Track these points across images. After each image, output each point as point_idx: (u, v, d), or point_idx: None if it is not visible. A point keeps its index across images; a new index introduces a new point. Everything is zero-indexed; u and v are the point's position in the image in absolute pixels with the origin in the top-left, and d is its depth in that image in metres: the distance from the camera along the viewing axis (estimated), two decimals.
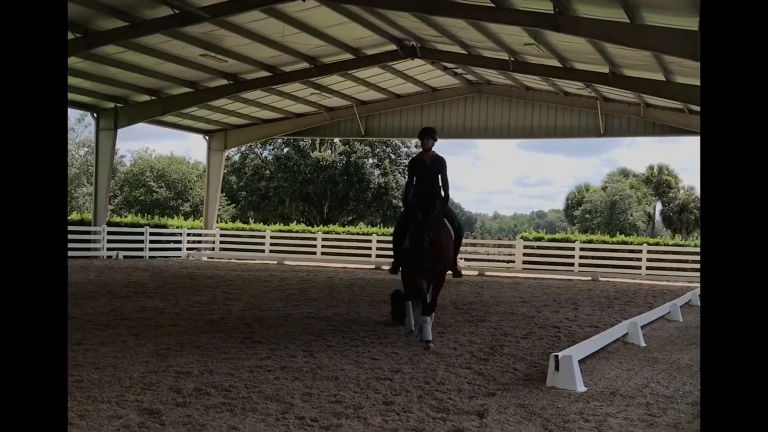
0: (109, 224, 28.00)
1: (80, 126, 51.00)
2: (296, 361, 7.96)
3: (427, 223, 9.49)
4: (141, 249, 28.09)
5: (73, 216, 30.71)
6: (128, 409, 5.68)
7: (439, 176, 10.15)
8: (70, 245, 25.11)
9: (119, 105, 26.57)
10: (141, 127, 28.17)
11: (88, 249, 26.10)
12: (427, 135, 10.23)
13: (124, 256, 26.88)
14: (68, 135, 50.51)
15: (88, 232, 26.52)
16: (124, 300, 13.19)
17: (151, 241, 28.52)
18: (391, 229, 33.19)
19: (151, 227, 29.35)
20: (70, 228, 25.57)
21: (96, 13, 18.26)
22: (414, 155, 11.98)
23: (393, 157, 49.02)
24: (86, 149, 48.95)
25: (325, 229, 33.99)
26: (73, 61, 20.97)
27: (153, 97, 26.18)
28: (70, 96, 25.39)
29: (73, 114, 49.29)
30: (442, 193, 10.10)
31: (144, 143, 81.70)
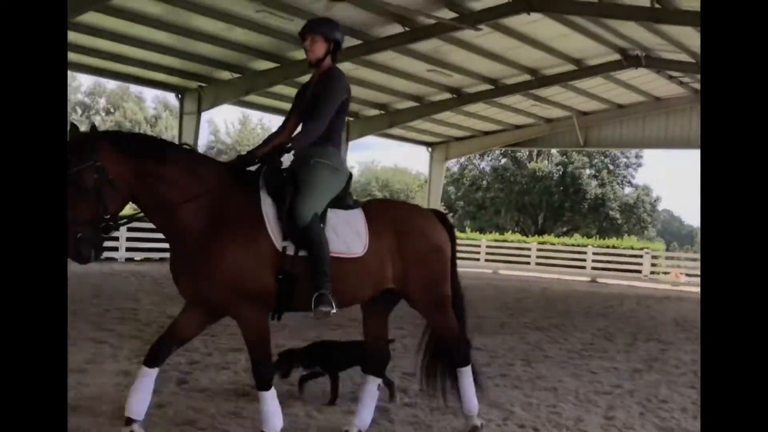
0: None
1: None
2: (515, 370, 7.91)
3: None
4: None
5: None
6: None
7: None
8: None
9: (351, 119, 27.81)
10: (370, 139, 29.29)
11: None
12: (311, 30, 5.29)
13: None
14: None
15: None
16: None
17: None
18: (608, 241, 32.13)
19: None
20: None
21: None
22: None
23: (611, 167, 47.33)
24: None
25: (540, 239, 33.44)
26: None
27: (381, 112, 27.14)
28: None
29: None
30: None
31: (371, 154, 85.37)
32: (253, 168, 4.90)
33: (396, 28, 19.10)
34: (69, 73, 48.77)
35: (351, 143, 28.29)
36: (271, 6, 16.72)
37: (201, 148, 31.58)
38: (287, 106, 21.92)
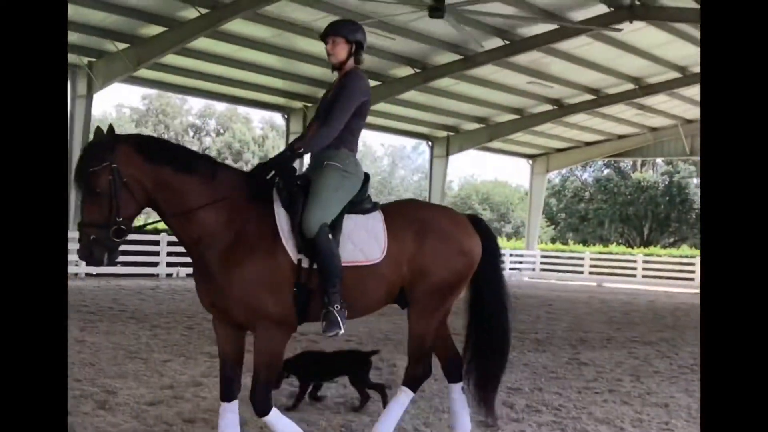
0: None
1: (415, 153, 54.20)
2: (623, 385, 7.69)
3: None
4: None
5: None
6: None
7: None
8: None
9: (451, 134, 27.83)
10: (469, 153, 29.22)
11: None
12: (332, 32, 5.11)
13: None
14: (404, 162, 53.93)
15: None
16: (455, 315, 13.69)
17: None
18: None
19: None
20: None
21: (433, 49, 19.40)
22: None
23: None
24: (420, 175, 51.85)
25: (646, 251, 32.47)
26: (411, 95, 22.43)
27: (481, 125, 27.04)
28: (407, 127, 27.11)
29: (409, 143, 52.55)
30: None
31: (470, 168, 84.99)
32: (268, 177, 4.70)
33: (496, 42, 19.05)
34: (181, 96, 50.75)
35: (451, 157, 28.30)
36: (373, 26, 16.95)
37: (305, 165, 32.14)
38: (389, 123, 22.12)
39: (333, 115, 4.84)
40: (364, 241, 4.69)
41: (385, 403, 5.97)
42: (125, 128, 47.50)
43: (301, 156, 4.80)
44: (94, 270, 18.25)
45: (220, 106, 54.13)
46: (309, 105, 23.20)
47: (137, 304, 13.13)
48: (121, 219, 4.30)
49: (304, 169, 5.15)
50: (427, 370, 5.12)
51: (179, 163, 4.47)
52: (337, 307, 4.50)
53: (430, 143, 28.72)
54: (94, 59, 18.61)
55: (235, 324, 4.64)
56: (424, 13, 15.10)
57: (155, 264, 20.33)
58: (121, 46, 17.80)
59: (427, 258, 4.81)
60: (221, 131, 57.09)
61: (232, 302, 4.45)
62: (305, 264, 4.52)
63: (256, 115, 57.40)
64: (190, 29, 16.63)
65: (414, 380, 5.06)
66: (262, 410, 4.56)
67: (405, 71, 21.12)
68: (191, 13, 16.36)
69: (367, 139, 53.42)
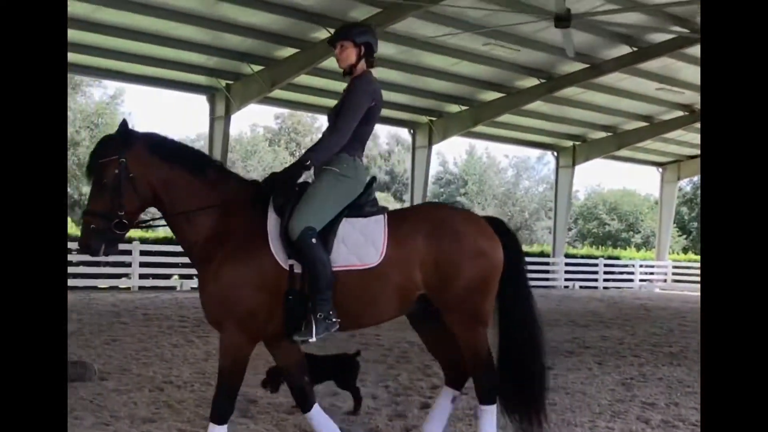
0: (566, 256, 28.66)
1: (540, 164, 53.34)
2: None
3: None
4: (595, 279, 28.23)
5: (534, 248, 32.08)
6: None
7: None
8: (531, 275, 26.19)
9: (577, 143, 27.22)
10: (595, 162, 28.48)
11: (547, 279, 27.02)
12: (340, 36, 5.00)
13: (580, 286, 27.32)
14: (528, 173, 53.19)
15: (547, 263, 27.46)
16: (585, 329, 13.35)
17: (605, 272, 28.51)
18: None
19: (604, 258, 29.39)
20: (530, 260, 26.78)
21: (558, 58, 19.09)
22: None
23: None
24: (545, 185, 50.98)
25: None
26: (536, 105, 22.14)
27: (609, 133, 26.32)
28: (532, 138, 26.72)
29: (533, 153, 51.80)
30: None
31: (597, 177, 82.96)
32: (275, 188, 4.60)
33: (623, 49, 18.54)
34: (311, 114, 52.08)
35: (577, 167, 27.67)
36: (497, 38, 16.89)
37: (431, 179, 32.31)
38: (513, 134, 21.95)
39: (340, 121, 4.69)
40: (359, 245, 4.47)
41: (356, 406, 5.97)
42: (260, 147, 49.17)
43: (309, 168, 4.59)
44: None
45: None
46: (434, 119, 23.33)
47: None
48: (122, 213, 4.35)
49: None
50: (494, 377, 4.74)
51: (187, 164, 4.51)
52: (321, 315, 4.29)
53: (555, 153, 28.20)
54: (231, 82, 19.43)
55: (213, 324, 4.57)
56: (549, 23, 14.88)
57: None
58: (257, 68, 18.49)
59: (444, 261, 4.52)
60: None
61: (210, 303, 4.42)
62: (298, 269, 4.36)
63: (382, 130, 58.08)
64: (321, 50, 17.08)
65: (488, 393, 4.72)
66: (218, 417, 4.43)
67: (530, 82, 20.87)
68: (322, 33, 16.80)
69: (491, 150, 53.07)
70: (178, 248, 4.99)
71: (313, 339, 4.31)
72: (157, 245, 19.13)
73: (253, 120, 75.44)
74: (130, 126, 4.60)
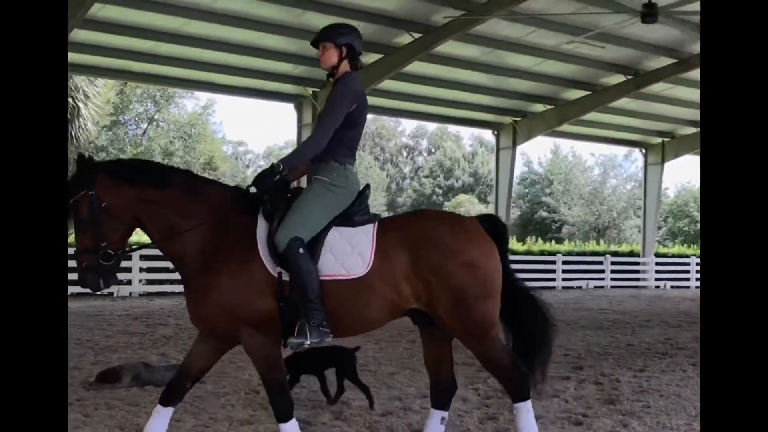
0: (657, 255, 27.85)
1: (627, 162, 52.04)
2: None
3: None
4: (687, 279, 27.31)
5: (623, 247, 31.28)
6: None
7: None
8: (621, 275, 25.73)
9: (666, 139, 26.43)
10: (685, 159, 27.56)
11: (638, 279, 26.32)
12: (320, 38, 4.86)
13: (672, 286, 26.48)
14: (615, 171, 51.93)
15: (637, 263, 26.74)
16: (677, 330, 12.93)
17: (697, 271, 27.54)
18: None
19: (696, 257, 28.39)
20: (620, 259, 26.22)
21: (645, 54, 18.61)
22: None
23: None
24: (633, 183, 49.71)
25: None
26: (623, 102, 21.60)
27: (698, 129, 25.44)
28: (618, 135, 26.02)
29: (620, 151, 50.56)
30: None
31: (687, 174, 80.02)
32: (251, 194, 4.56)
33: None
34: (395, 119, 52.35)
35: (666, 164, 26.86)
36: (582, 35, 16.55)
37: (515, 179, 31.96)
38: (599, 132, 21.41)
39: (318, 126, 4.59)
40: (346, 255, 4.40)
41: (371, 402, 6.11)
42: None
43: (281, 173, 4.46)
44: None
45: (431, 126, 55.25)
46: (518, 119, 23.05)
47: None
48: (105, 244, 4.36)
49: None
50: (517, 373, 4.57)
51: (161, 183, 4.46)
52: (313, 323, 4.26)
53: (643, 150, 27.40)
54: (318, 89, 19.65)
55: (221, 337, 4.59)
56: (636, 19, 14.50)
57: None
58: None
59: (430, 275, 4.40)
60: (432, 150, 58.18)
61: (212, 314, 4.40)
62: (286, 277, 4.35)
63: (466, 132, 57.98)
64: (405, 54, 17.12)
65: (518, 391, 4.58)
66: (280, 415, 4.51)
67: (616, 79, 20.38)
68: (406, 38, 16.84)
69: (577, 149, 52.09)
70: None
71: (308, 343, 4.29)
72: None
73: None
74: (94, 158, 4.64)
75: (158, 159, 34.88)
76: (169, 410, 4.67)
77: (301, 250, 4.29)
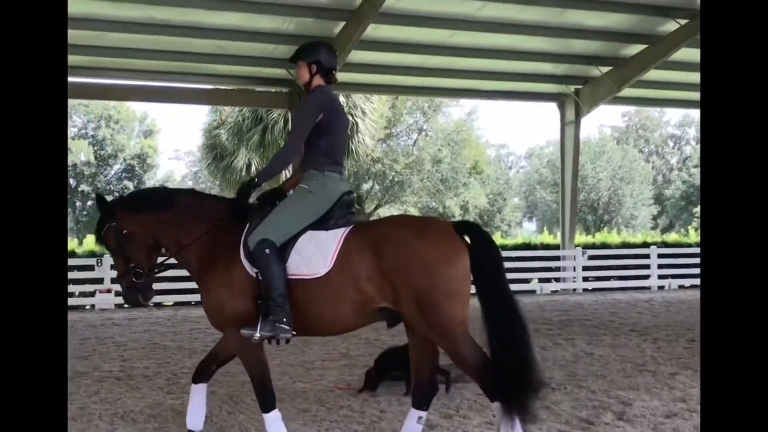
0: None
1: None
2: None
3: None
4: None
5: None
6: None
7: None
8: None
9: None
10: None
11: None
12: (294, 58, 5.12)
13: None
14: None
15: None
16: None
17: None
18: None
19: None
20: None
21: None
22: None
23: None
24: None
25: None
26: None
27: None
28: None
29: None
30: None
31: None
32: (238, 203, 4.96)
33: None
34: (659, 109, 49.15)
35: None
36: None
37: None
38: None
39: (287, 139, 5.05)
40: (310, 256, 4.58)
41: (448, 386, 6.42)
42: (608, 147, 47.59)
43: (258, 185, 4.98)
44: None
45: (696, 114, 51.25)
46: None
47: (635, 317, 12.91)
48: (133, 264, 4.98)
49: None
50: (492, 373, 4.36)
51: (165, 205, 4.97)
52: (272, 318, 4.49)
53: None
54: (580, 86, 19.18)
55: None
56: None
57: (646, 277, 19.97)
58: (605, 69, 17.95)
59: (391, 274, 4.42)
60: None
61: (209, 314, 4.86)
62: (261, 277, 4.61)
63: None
64: (671, 42, 16.05)
65: (491, 389, 4.40)
66: (263, 407, 4.81)
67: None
68: (671, 26, 15.79)
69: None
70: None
71: (257, 336, 4.51)
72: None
73: (600, 121, 73.89)
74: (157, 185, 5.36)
75: (427, 167, 36.10)
76: (202, 386, 5.13)
77: (267, 251, 4.55)
